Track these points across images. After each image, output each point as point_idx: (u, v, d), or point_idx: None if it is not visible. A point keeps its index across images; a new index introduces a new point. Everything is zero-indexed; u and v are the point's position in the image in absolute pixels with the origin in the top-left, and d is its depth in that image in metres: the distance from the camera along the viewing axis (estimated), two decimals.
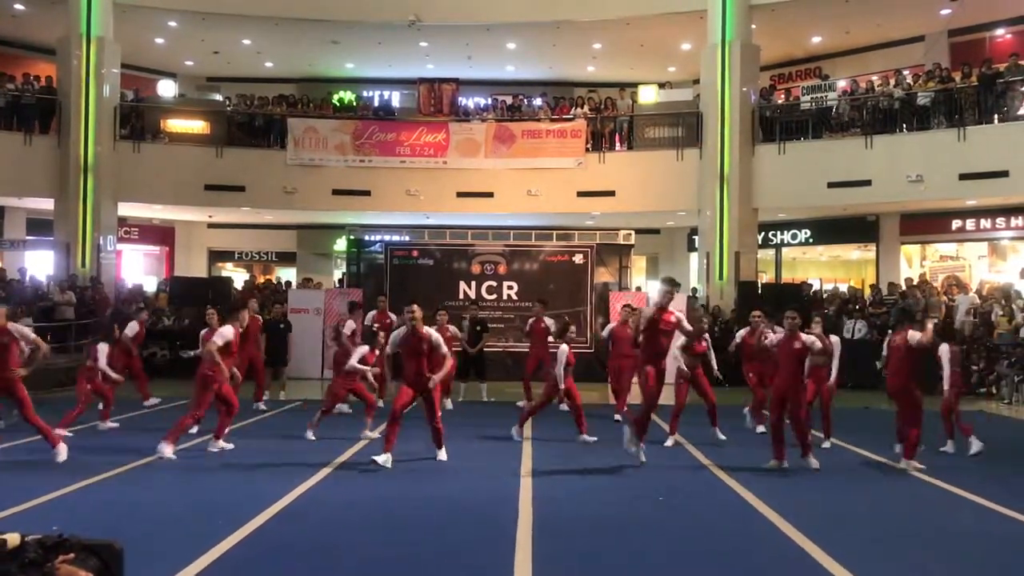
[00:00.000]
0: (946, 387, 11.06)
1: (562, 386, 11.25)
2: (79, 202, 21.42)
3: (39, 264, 22.92)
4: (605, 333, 14.14)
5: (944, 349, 10.95)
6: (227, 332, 10.39)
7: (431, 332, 9.62)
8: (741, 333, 12.55)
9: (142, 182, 22.46)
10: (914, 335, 9.86)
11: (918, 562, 6.47)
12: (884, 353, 10.54)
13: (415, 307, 9.52)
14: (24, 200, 23.21)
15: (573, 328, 12.05)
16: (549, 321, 14.92)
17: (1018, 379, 17.02)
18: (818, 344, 9.87)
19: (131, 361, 13.73)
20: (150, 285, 24.86)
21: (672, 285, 9.87)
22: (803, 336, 9.89)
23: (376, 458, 9.33)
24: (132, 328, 13.68)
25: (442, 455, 9.96)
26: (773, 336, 10.71)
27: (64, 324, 19.12)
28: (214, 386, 10.17)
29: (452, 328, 14.18)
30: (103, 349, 12.51)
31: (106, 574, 3.89)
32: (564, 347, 11.34)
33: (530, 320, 15.44)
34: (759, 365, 11.88)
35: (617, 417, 13.63)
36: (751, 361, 12.16)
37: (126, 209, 23.84)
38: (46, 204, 22.16)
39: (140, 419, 13.16)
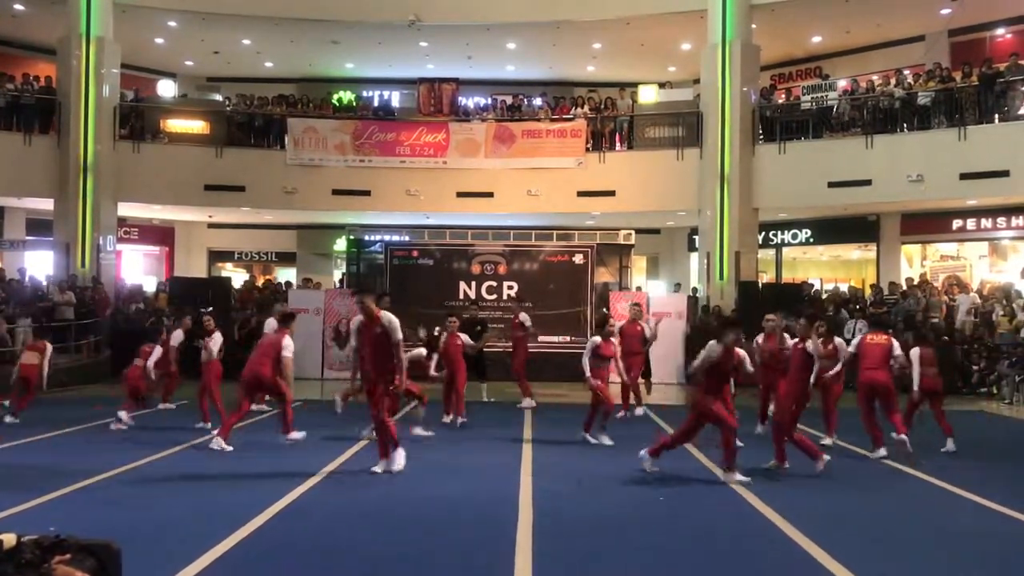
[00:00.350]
0: (915, 387, 11.21)
1: (587, 374, 11.25)
2: (79, 202, 21.39)
3: (39, 264, 22.91)
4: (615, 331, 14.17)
5: (915, 352, 11.18)
6: (290, 344, 10.80)
7: (386, 314, 9.11)
8: (758, 340, 12.38)
9: (142, 182, 22.44)
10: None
11: (919, 562, 6.46)
12: (853, 351, 11.05)
13: (364, 296, 9.27)
14: (24, 200, 23.20)
15: (613, 322, 12.11)
16: (524, 317, 15.49)
17: (1019, 379, 17.01)
18: (810, 346, 9.86)
19: (169, 366, 13.81)
20: (150, 285, 24.85)
21: (738, 329, 9.81)
22: (807, 342, 9.90)
23: (375, 468, 9.18)
24: (177, 337, 13.81)
25: (394, 464, 9.12)
26: (789, 341, 10.75)
27: (64, 324, 19.10)
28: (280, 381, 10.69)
29: (464, 337, 13.78)
30: (158, 352, 13.01)
31: (103, 575, 3.87)
32: (595, 339, 11.41)
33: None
34: (768, 371, 11.74)
35: (621, 414, 13.68)
36: (765, 366, 11.99)
37: (126, 209, 23.83)
38: (46, 204, 22.15)
39: (138, 419, 13.13)
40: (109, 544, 4.02)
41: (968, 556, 6.66)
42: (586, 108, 23.62)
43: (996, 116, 19.23)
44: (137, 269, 28.12)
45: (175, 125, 23.62)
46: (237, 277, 28.01)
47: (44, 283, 20.98)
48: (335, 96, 25.48)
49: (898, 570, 6.27)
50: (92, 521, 6.90)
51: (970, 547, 6.90)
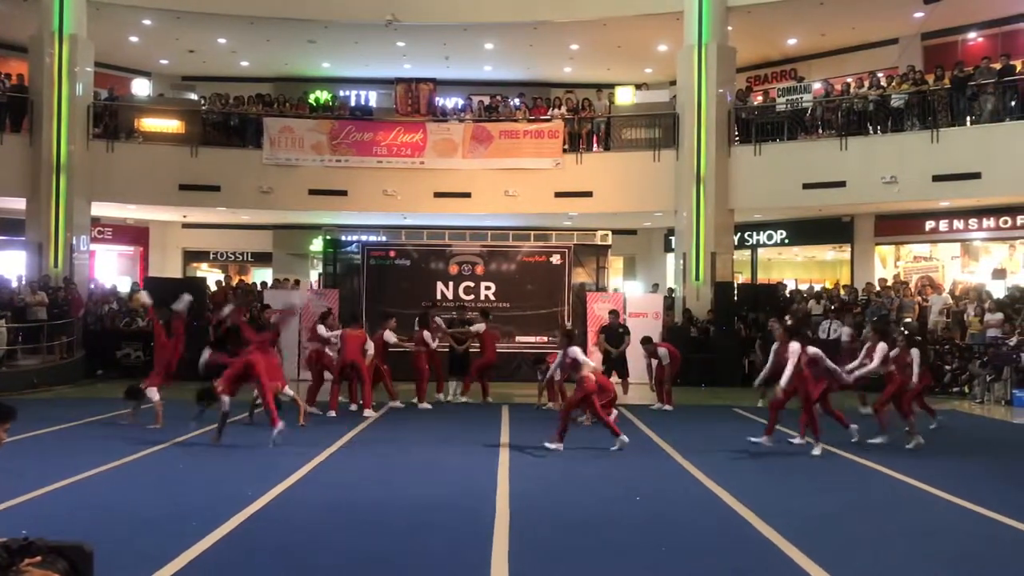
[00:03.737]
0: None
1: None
2: (51, 202, 21.14)
3: (11, 264, 22.63)
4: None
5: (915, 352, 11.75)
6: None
7: None
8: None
9: (116, 182, 22.22)
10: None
11: (894, 561, 6.51)
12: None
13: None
14: None
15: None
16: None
17: (990, 378, 17.21)
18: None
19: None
20: (124, 285, 24.61)
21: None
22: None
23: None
24: (389, 337, 15.35)
25: None
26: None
27: (36, 325, 18.89)
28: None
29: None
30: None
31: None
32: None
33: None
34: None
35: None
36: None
37: (99, 209, 23.58)
38: (18, 204, 21.87)
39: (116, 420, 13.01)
40: (81, 546, 3.98)
41: (943, 554, 6.73)
42: (563, 109, 23.64)
43: (968, 119, 19.45)
44: (111, 269, 27.85)
45: (150, 124, 23.39)
46: (212, 277, 27.80)
47: (13, 283, 20.69)
48: (312, 96, 25.35)
49: (872, 568, 6.32)
50: (67, 523, 6.84)
51: (945, 545, 6.98)
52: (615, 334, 16.14)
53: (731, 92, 22.03)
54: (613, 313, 16.77)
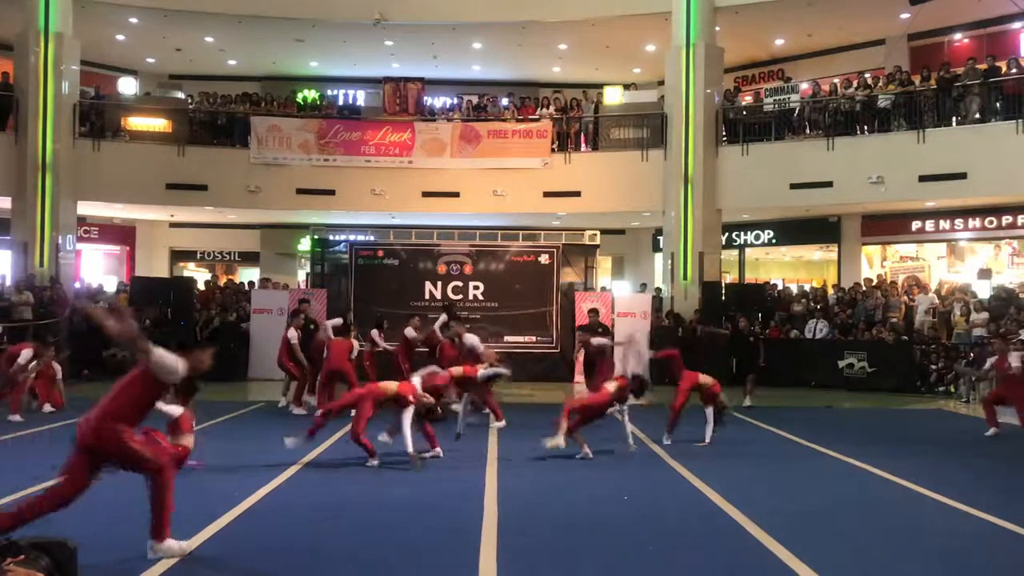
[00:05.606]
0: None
1: None
2: (37, 201, 21.01)
3: None
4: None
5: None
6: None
7: None
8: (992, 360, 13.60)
9: (102, 181, 22.10)
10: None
11: (880, 559, 6.54)
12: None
13: None
14: None
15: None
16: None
17: (974, 378, 17.28)
18: None
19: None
20: (110, 285, 24.48)
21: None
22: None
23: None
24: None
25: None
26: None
27: (22, 325, 18.76)
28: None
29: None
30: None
31: (58, 572, 3.81)
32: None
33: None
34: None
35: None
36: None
37: (86, 208, 23.47)
38: (3, 203, 21.74)
39: None
40: (64, 542, 3.96)
41: (929, 553, 6.77)
42: (552, 109, 23.67)
43: (954, 119, 19.56)
44: (97, 269, 27.70)
45: (136, 123, 23.26)
46: (199, 277, 27.68)
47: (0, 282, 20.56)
48: (299, 95, 25.29)
49: (860, 567, 6.34)
50: (52, 522, 6.78)
51: (932, 543, 7.01)
52: (594, 335, 15.90)
53: (719, 92, 22.07)
54: (593, 312, 15.91)
